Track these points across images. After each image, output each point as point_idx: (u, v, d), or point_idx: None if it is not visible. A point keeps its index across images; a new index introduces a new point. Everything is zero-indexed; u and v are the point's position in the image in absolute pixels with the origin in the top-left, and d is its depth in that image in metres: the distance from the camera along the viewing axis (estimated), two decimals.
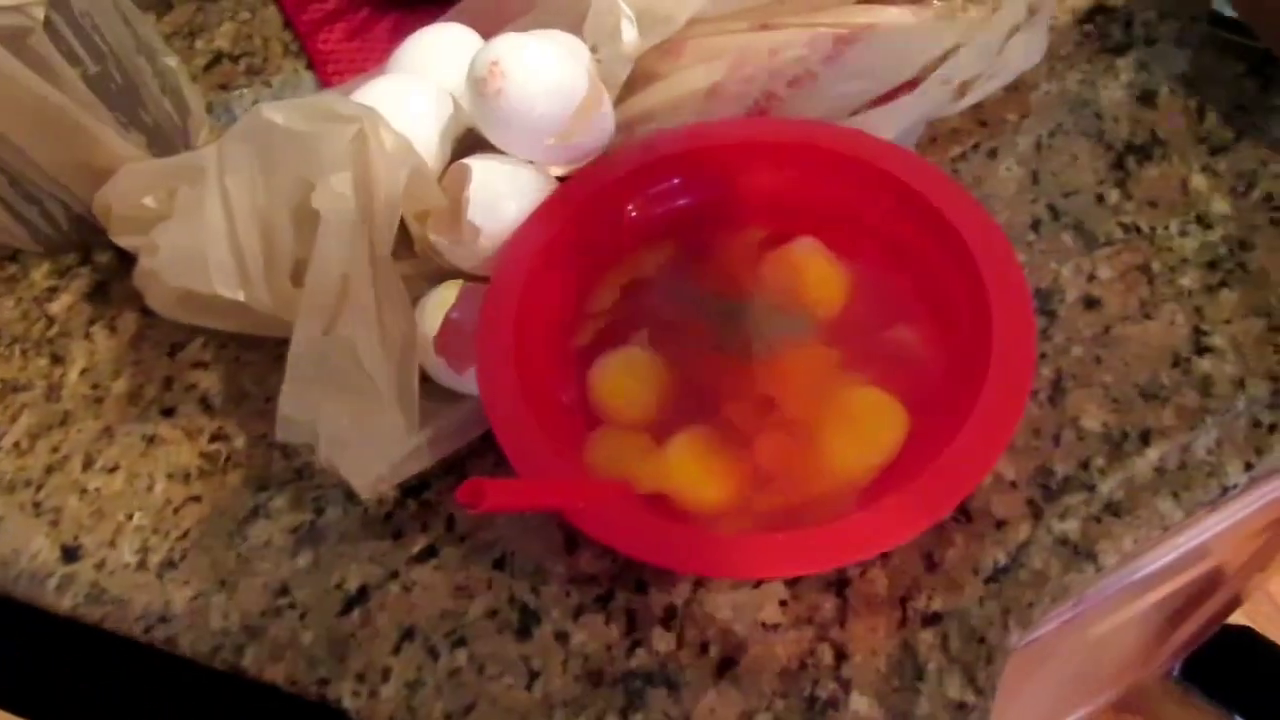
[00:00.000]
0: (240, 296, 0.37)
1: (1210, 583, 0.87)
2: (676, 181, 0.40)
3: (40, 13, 0.39)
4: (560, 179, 0.41)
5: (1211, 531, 0.60)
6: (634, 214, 0.40)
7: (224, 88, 0.55)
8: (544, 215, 0.39)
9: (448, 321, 0.38)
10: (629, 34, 0.44)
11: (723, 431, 0.35)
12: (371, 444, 0.35)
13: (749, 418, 0.36)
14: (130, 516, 0.40)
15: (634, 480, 0.34)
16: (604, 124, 0.41)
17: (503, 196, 0.39)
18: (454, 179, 0.39)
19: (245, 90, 0.55)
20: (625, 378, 0.37)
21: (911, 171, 0.38)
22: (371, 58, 0.54)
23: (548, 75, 0.38)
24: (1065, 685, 0.96)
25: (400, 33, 0.48)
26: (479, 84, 0.38)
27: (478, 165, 0.39)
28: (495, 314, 0.36)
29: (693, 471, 0.34)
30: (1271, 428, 0.37)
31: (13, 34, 0.39)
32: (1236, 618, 1.28)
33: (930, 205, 0.37)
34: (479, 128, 0.40)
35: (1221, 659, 1.26)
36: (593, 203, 0.40)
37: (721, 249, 0.40)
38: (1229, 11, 0.45)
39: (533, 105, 0.38)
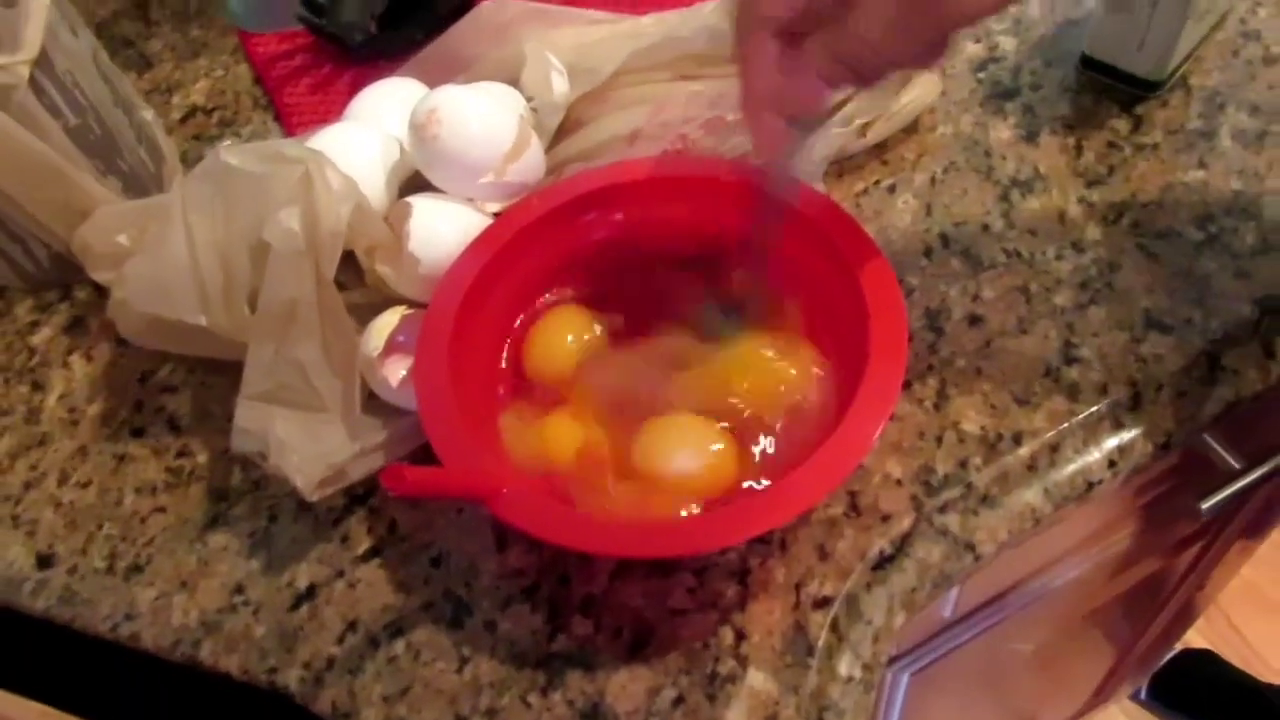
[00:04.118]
0: (202, 321, 0.41)
1: (1152, 599, 0.91)
2: (598, 214, 0.45)
3: (25, 71, 0.44)
4: (495, 214, 0.45)
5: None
6: (557, 246, 0.45)
7: (198, 138, 0.60)
8: (479, 246, 0.43)
9: (391, 343, 0.42)
10: (560, 85, 0.48)
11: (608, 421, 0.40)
12: (316, 451, 0.39)
13: (627, 416, 0.40)
14: (101, 526, 0.44)
15: (517, 448, 0.39)
16: (533, 165, 0.45)
17: (441, 230, 0.43)
18: (397, 215, 0.44)
19: (217, 140, 0.60)
20: (550, 349, 0.43)
21: (803, 200, 0.42)
22: (333, 109, 0.58)
23: (479, 122, 0.43)
24: (1013, 698, 0.99)
25: (358, 87, 0.52)
26: (418, 129, 0.42)
27: (418, 202, 0.43)
28: (432, 333, 0.40)
29: (564, 445, 0.39)
30: (1132, 429, 0.41)
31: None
32: (1200, 642, 1.31)
33: (819, 230, 0.41)
34: (420, 169, 0.44)
35: (1185, 681, 1.30)
36: (523, 235, 0.44)
37: (636, 274, 0.44)
38: (1097, 55, 0.50)
39: (466, 148, 0.43)
